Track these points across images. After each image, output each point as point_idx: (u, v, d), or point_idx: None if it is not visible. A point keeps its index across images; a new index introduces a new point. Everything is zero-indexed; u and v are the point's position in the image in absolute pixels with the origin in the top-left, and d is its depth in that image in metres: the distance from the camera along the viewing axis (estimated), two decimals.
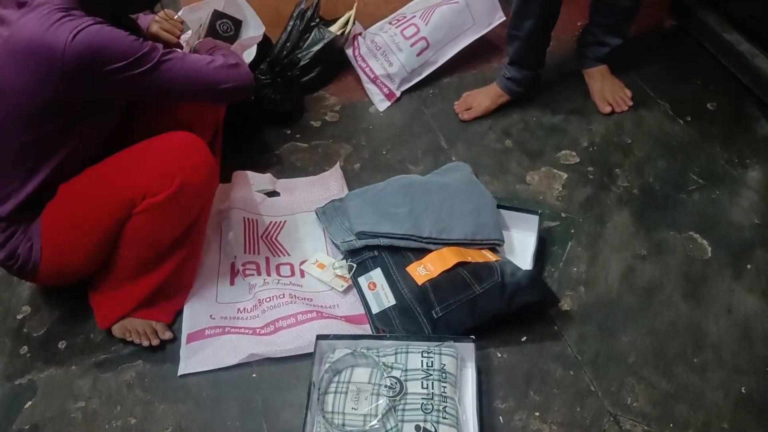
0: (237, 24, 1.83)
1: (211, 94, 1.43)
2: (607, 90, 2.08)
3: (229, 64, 1.44)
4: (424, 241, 1.56)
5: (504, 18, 2.22)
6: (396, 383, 1.31)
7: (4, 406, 1.44)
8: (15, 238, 1.40)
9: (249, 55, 2.05)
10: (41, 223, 1.39)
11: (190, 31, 1.82)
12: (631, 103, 2.06)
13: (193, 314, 1.55)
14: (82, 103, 1.28)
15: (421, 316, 1.46)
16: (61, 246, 1.40)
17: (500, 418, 1.36)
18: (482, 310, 1.44)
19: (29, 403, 1.44)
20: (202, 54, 1.54)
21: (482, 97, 2.08)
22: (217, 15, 1.80)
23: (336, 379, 1.37)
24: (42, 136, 1.29)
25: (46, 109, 1.25)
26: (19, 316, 1.61)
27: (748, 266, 1.60)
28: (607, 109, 2.05)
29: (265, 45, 2.24)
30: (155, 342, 1.50)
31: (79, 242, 1.39)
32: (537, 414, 1.36)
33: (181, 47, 1.72)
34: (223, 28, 1.80)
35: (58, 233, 1.38)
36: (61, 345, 1.54)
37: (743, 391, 1.38)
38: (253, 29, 1.81)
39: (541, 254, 1.64)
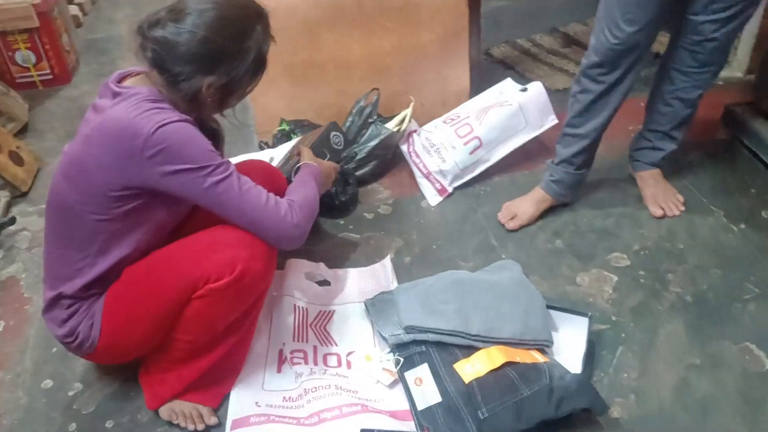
0: (348, 142, 2.05)
1: (253, 231, 1.39)
2: (659, 194, 2.09)
3: (289, 214, 1.39)
4: (472, 338, 1.56)
5: (556, 121, 2.28)
6: None
7: None
8: (77, 315, 1.45)
9: None
10: (104, 302, 1.44)
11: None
12: (683, 209, 2.07)
13: (239, 400, 1.56)
14: (155, 192, 1.34)
15: (466, 416, 1.44)
16: (121, 326, 1.44)
17: None
18: (529, 415, 1.41)
19: None
20: (302, 172, 1.61)
21: (526, 205, 2.08)
22: (334, 127, 2.00)
23: None
24: (115, 218, 1.36)
25: (122, 191, 1.32)
26: (71, 392, 1.64)
27: None
28: (659, 213, 2.05)
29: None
30: (200, 427, 1.50)
31: (139, 323, 1.43)
32: None
33: None
34: (335, 141, 1.98)
35: (119, 314, 1.43)
36: (109, 424, 1.56)
37: None
38: None
39: (591, 358, 1.62)
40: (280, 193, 1.61)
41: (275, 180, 1.72)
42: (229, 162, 1.35)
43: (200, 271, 1.35)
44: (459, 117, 2.32)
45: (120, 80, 1.37)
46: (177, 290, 1.38)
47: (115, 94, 1.32)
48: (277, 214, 1.38)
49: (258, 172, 1.62)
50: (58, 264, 1.45)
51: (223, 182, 1.32)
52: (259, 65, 1.38)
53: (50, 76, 3.14)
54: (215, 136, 1.55)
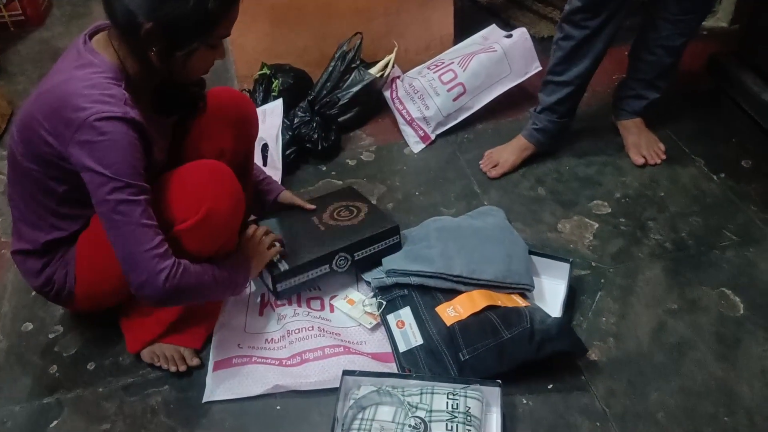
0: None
1: (123, 268, 1.28)
2: (641, 143, 2.09)
3: (165, 276, 1.25)
4: (454, 279, 1.56)
5: (540, 68, 2.26)
6: (420, 423, 1.30)
7: (31, 425, 1.45)
8: (51, 265, 1.43)
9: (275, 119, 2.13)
10: (76, 250, 1.42)
11: None
12: (664, 157, 2.07)
13: (221, 342, 1.56)
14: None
15: (448, 357, 1.46)
16: (95, 273, 1.42)
17: None
18: (510, 357, 1.43)
19: (55, 422, 1.45)
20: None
21: (507, 153, 2.08)
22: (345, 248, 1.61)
23: (360, 416, 1.36)
24: (55, 178, 1.32)
25: (54, 156, 1.27)
26: (51, 335, 1.63)
27: None
28: (641, 161, 2.06)
29: (306, 84, 2.31)
30: (182, 368, 1.51)
31: (112, 269, 1.38)
32: None
33: None
34: (339, 263, 1.64)
35: (91, 260, 1.42)
36: (90, 366, 1.56)
37: None
38: None
39: (571, 303, 1.64)
40: (248, 122, 1.60)
41: (242, 107, 1.62)
42: (145, 190, 1.25)
43: (167, 214, 1.32)
44: (443, 63, 2.29)
45: (93, 34, 1.30)
46: None
47: (79, 55, 1.26)
48: (152, 267, 1.25)
49: (222, 94, 1.57)
50: (20, 218, 1.44)
51: (124, 205, 1.21)
52: (205, 17, 1.22)
53: (22, 17, 3.03)
54: (194, 104, 1.49)
